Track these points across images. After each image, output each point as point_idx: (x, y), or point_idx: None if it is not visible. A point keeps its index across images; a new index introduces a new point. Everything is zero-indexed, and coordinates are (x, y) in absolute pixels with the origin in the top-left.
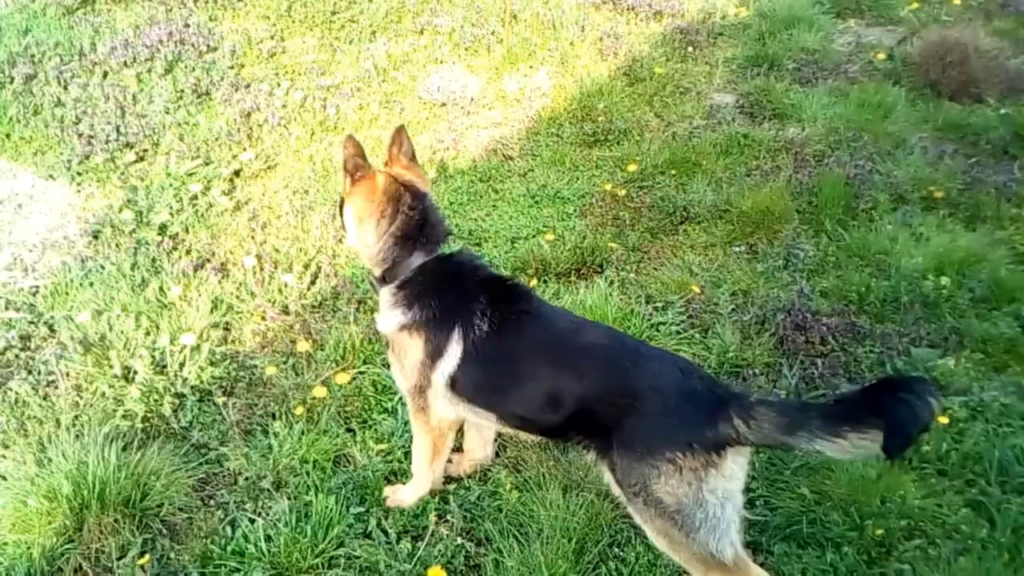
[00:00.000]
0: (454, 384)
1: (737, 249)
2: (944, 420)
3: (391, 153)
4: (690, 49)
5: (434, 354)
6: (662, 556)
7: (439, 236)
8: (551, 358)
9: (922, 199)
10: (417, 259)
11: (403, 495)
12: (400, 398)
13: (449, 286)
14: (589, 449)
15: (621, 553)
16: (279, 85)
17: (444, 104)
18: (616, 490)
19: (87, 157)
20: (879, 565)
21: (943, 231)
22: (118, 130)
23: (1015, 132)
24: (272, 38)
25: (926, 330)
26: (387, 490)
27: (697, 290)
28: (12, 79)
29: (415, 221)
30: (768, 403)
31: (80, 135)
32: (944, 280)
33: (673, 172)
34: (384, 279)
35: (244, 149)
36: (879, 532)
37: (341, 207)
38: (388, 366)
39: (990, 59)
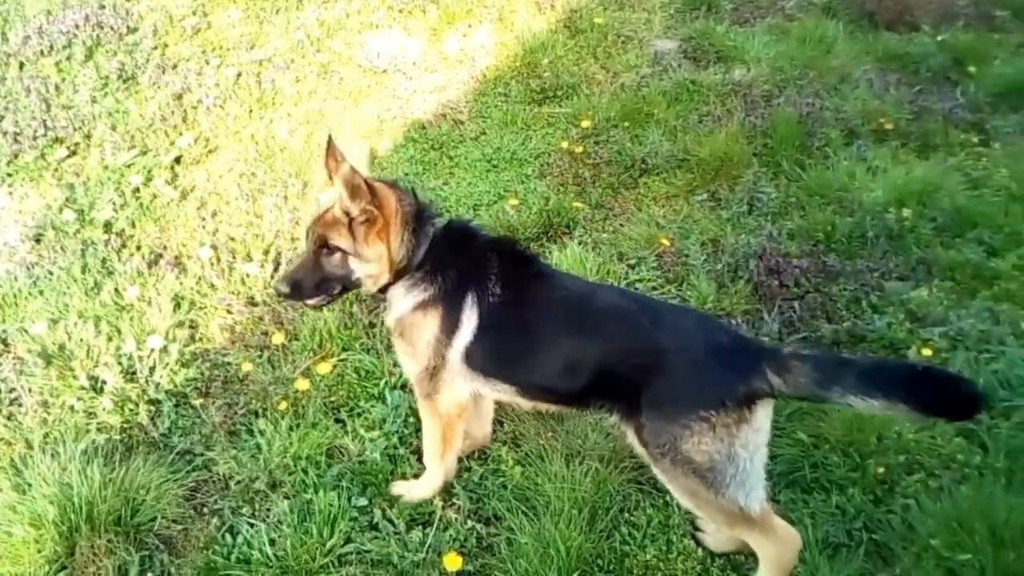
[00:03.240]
0: (469, 358)
1: (700, 198)
2: (928, 352)
3: (330, 166)
4: None
5: (450, 328)
6: (673, 518)
7: (433, 213)
8: (568, 322)
9: (873, 132)
10: (425, 241)
11: (418, 491)
12: (386, 382)
13: (459, 255)
14: (612, 413)
15: (632, 518)
16: (208, 63)
17: (385, 71)
18: (639, 450)
19: (15, 156)
20: (885, 503)
21: (898, 162)
22: (45, 124)
23: (953, 58)
24: (194, 14)
25: (895, 263)
26: (399, 487)
27: (667, 243)
28: None
29: (415, 208)
30: (802, 357)
31: (4, 133)
32: (906, 212)
33: (626, 124)
34: (396, 279)
35: (181, 134)
36: (880, 470)
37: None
38: (369, 350)
39: None
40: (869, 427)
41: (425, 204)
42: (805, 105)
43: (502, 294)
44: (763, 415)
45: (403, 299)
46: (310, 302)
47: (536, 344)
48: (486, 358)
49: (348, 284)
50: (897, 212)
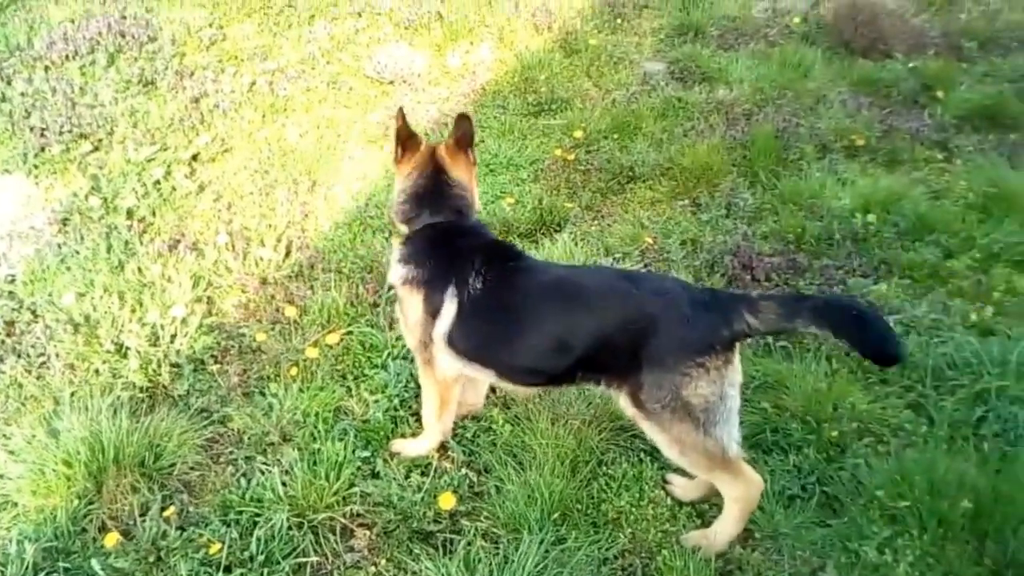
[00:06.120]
0: (452, 342)
1: (682, 203)
2: None
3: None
4: (619, 21)
5: (432, 312)
6: (646, 472)
7: (453, 204)
8: (557, 301)
9: (844, 147)
10: (425, 218)
11: (414, 447)
12: (389, 353)
13: (444, 246)
14: (600, 383)
15: (609, 471)
16: (223, 71)
17: (392, 82)
18: (631, 412)
19: (43, 149)
20: (837, 462)
21: (866, 175)
22: (70, 121)
23: (923, 84)
24: (211, 26)
25: (858, 262)
26: (396, 444)
27: (650, 241)
28: None
29: (427, 185)
30: (768, 297)
31: (32, 128)
32: (871, 217)
33: (616, 136)
34: (403, 223)
35: (198, 134)
36: (834, 435)
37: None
38: (373, 326)
39: (896, 18)
40: (826, 399)
41: (453, 197)
42: (782, 122)
43: (483, 287)
44: (737, 356)
45: (396, 264)
46: None
47: (523, 329)
48: (467, 344)
49: None
50: (863, 217)
